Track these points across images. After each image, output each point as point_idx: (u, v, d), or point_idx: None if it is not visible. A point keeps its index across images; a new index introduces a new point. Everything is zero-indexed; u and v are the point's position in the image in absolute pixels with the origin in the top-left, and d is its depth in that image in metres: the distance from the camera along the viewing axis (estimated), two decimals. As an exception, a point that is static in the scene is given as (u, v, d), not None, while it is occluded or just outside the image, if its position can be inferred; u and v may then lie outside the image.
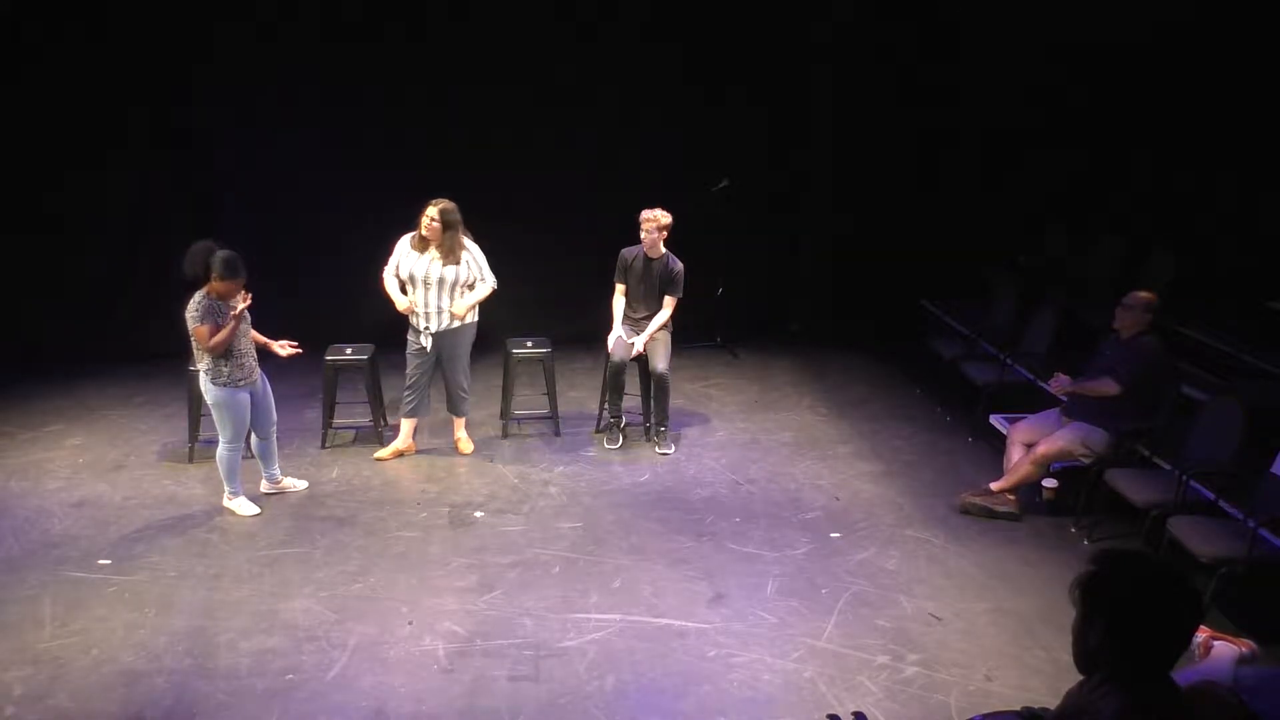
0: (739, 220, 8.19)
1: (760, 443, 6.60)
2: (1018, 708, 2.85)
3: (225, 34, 7.51)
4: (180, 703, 3.96)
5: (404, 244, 5.99)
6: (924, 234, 8.32)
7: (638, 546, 5.23)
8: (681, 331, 6.88)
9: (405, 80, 7.75)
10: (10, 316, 7.71)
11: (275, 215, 7.80)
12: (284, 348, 5.59)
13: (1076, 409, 5.51)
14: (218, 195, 7.79)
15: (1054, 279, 7.65)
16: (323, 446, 6.40)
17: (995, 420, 6.40)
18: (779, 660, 4.27)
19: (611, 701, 4.00)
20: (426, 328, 6.00)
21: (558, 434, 6.65)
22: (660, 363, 6.32)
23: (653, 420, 6.52)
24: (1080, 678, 2.34)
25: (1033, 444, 5.55)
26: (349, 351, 6.39)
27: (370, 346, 6.45)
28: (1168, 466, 5.18)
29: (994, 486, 5.61)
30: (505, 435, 6.65)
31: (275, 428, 5.66)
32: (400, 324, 6.20)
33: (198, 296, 5.16)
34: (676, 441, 6.54)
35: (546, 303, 7.82)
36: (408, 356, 6.11)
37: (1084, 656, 2.28)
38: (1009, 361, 6.66)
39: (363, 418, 6.56)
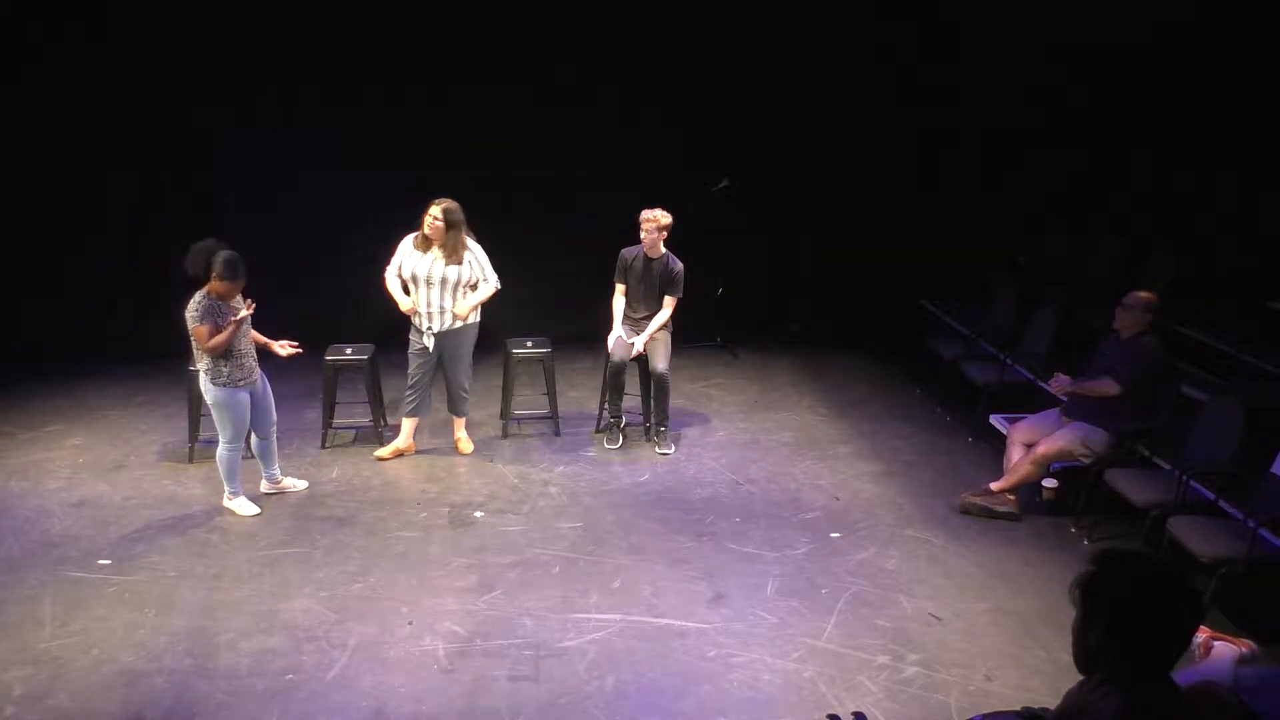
0: (739, 220, 8.19)
1: (760, 443, 6.60)
2: (1018, 708, 2.85)
3: (225, 34, 7.51)
4: (180, 703, 3.96)
5: (407, 244, 5.99)
6: (924, 234, 8.32)
7: (638, 546, 5.23)
8: (681, 331, 6.88)
9: (405, 80, 7.74)
10: (10, 316, 7.71)
11: (275, 215, 7.80)
12: (284, 348, 5.59)
13: (1076, 409, 5.51)
14: (218, 195, 7.79)
15: (1054, 279, 7.64)
16: (323, 446, 6.40)
17: (995, 420, 6.40)
18: (779, 660, 4.27)
19: (611, 701, 4.00)
20: (429, 327, 6.00)
21: (558, 434, 6.65)
22: (660, 363, 6.32)
23: (653, 420, 6.52)
24: (1080, 678, 2.34)
25: (1033, 444, 5.55)
26: (349, 351, 6.39)
27: (370, 346, 6.45)
28: (1168, 466, 5.18)
29: (994, 486, 5.61)
30: (505, 435, 6.65)
31: (275, 428, 5.66)
32: (401, 324, 6.20)
33: (198, 296, 5.16)
34: (676, 441, 6.54)
35: (546, 303, 7.82)
36: (409, 356, 6.11)
37: (1084, 656, 2.28)
38: (1009, 361, 6.66)
39: (363, 418, 6.57)
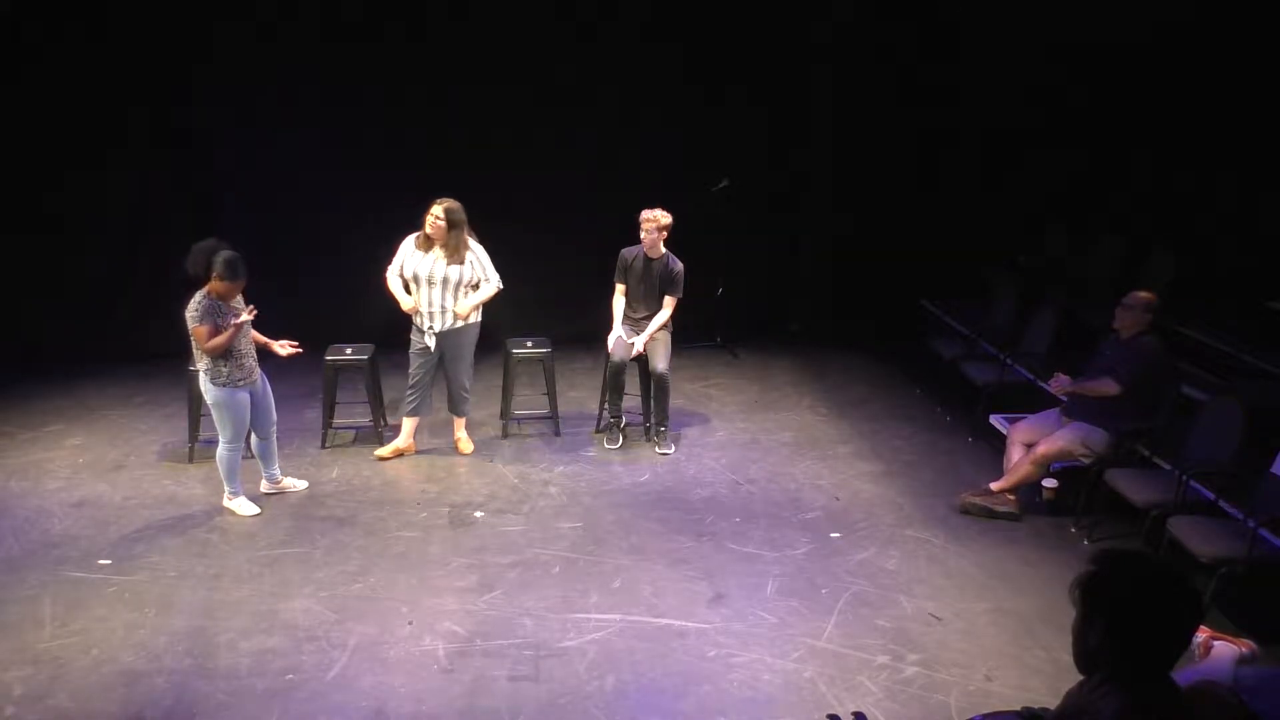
0: (739, 220, 8.19)
1: (760, 443, 6.60)
2: (1018, 708, 2.85)
3: (225, 34, 7.51)
4: (180, 703, 3.96)
5: (408, 244, 5.99)
6: (924, 234, 8.32)
7: (638, 546, 5.23)
8: (681, 331, 6.88)
9: (405, 80, 7.74)
10: (10, 316, 7.71)
11: (275, 215, 7.79)
12: (284, 348, 5.59)
13: (1076, 409, 5.51)
14: (218, 195, 7.79)
15: (1054, 279, 7.64)
16: (323, 446, 6.40)
17: (995, 420, 6.40)
18: (779, 660, 4.27)
19: (611, 701, 4.00)
20: (430, 327, 6.00)
21: (558, 434, 6.65)
22: (660, 363, 6.32)
23: (653, 420, 6.52)
24: (1080, 678, 2.34)
25: (1033, 444, 5.55)
26: (349, 351, 6.39)
27: (370, 346, 6.45)
28: (1168, 466, 5.18)
29: (994, 486, 5.61)
30: (505, 435, 6.65)
31: (275, 428, 5.66)
32: (401, 324, 6.20)
33: (198, 296, 5.16)
34: (676, 441, 6.54)
35: (546, 303, 7.81)
36: (411, 356, 6.11)
37: (1084, 656, 2.28)
38: (1009, 361, 6.66)
39: (363, 418, 6.57)
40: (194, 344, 5.22)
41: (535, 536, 5.32)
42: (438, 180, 6.14)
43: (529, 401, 6.96)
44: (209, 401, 5.34)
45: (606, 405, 6.59)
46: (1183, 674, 2.73)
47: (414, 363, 6.11)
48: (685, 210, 6.68)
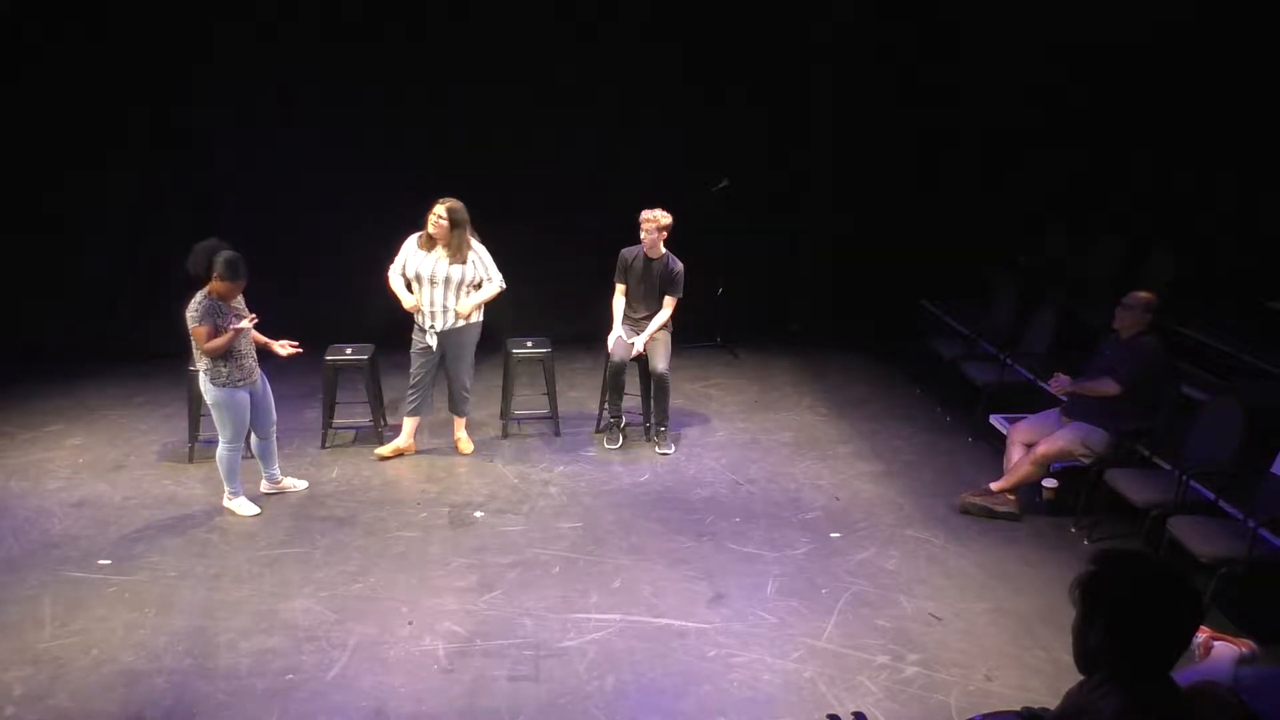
0: (739, 220, 8.19)
1: (760, 443, 6.60)
2: (1018, 708, 2.85)
3: (225, 34, 7.51)
4: (180, 703, 3.96)
5: (411, 243, 6.00)
6: (924, 234, 8.33)
7: (638, 546, 5.23)
8: (681, 331, 6.88)
9: (405, 80, 7.75)
10: (10, 316, 7.72)
11: (275, 215, 7.80)
12: (284, 347, 5.58)
13: (1076, 409, 5.51)
14: (218, 195, 7.79)
15: (1054, 279, 7.65)
16: (323, 446, 6.40)
17: (995, 420, 6.40)
18: (779, 660, 4.27)
19: (611, 701, 4.00)
20: (432, 326, 6.00)
21: (558, 434, 6.65)
22: (660, 363, 6.32)
23: (653, 420, 6.52)
24: (1080, 678, 2.34)
25: (1033, 444, 5.55)
26: (349, 351, 6.39)
27: (370, 346, 6.45)
28: (1168, 466, 5.18)
29: (994, 486, 5.61)
30: (505, 435, 6.65)
31: (275, 428, 5.66)
32: (401, 324, 6.21)
33: (198, 297, 5.16)
34: (676, 441, 6.54)
35: (546, 303, 7.82)
36: (412, 355, 6.11)
37: (1084, 656, 2.28)
38: (1009, 361, 6.66)
39: (363, 418, 6.57)
40: (194, 344, 5.22)
41: (535, 536, 5.32)
42: (438, 180, 6.14)
43: (529, 401, 6.96)
44: (209, 402, 5.34)
45: (606, 405, 6.59)
46: (1183, 674, 2.73)
47: (415, 362, 6.11)
48: (685, 210, 6.68)
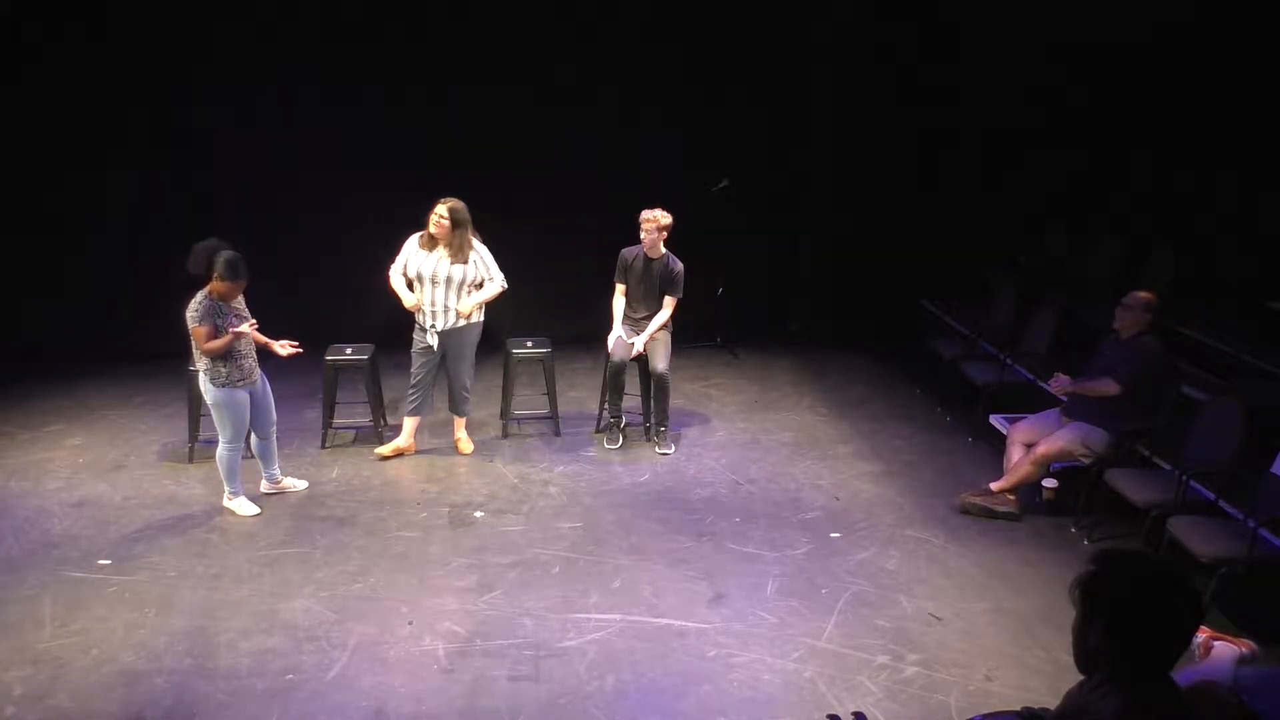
0: (739, 220, 8.19)
1: (760, 443, 6.60)
2: (1018, 708, 2.85)
3: (225, 34, 7.51)
4: (180, 703, 3.96)
5: (412, 243, 6.00)
6: (924, 234, 8.33)
7: (638, 546, 5.23)
8: (681, 331, 6.88)
9: (405, 80, 7.75)
10: (10, 316, 7.72)
11: (275, 215, 7.80)
12: (284, 347, 5.58)
13: (1076, 409, 5.51)
14: (218, 195, 7.79)
15: (1054, 279, 7.65)
16: (323, 446, 6.40)
17: (995, 420, 6.40)
18: (779, 660, 4.27)
19: (611, 701, 4.00)
20: (433, 325, 6.00)
21: (558, 434, 6.65)
22: (660, 363, 6.32)
23: (653, 420, 6.52)
24: (1080, 678, 2.34)
25: (1033, 444, 5.55)
26: (349, 351, 6.39)
27: (370, 346, 6.45)
28: (1168, 466, 5.18)
29: (994, 486, 5.61)
30: (505, 435, 6.65)
31: (275, 428, 5.66)
32: (402, 324, 6.21)
33: (199, 297, 5.16)
34: (676, 441, 6.54)
35: (546, 303, 7.82)
36: (413, 355, 6.11)
37: (1084, 656, 2.28)
38: (1009, 361, 6.66)
39: (363, 418, 6.56)
40: (193, 344, 5.22)
41: (535, 536, 5.32)
42: (438, 180, 6.14)
43: (529, 401, 6.96)
44: (209, 402, 5.34)
45: (606, 405, 6.59)
46: (1183, 674, 2.73)
47: (416, 362, 6.11)
48: (685, 210, 6.68)
